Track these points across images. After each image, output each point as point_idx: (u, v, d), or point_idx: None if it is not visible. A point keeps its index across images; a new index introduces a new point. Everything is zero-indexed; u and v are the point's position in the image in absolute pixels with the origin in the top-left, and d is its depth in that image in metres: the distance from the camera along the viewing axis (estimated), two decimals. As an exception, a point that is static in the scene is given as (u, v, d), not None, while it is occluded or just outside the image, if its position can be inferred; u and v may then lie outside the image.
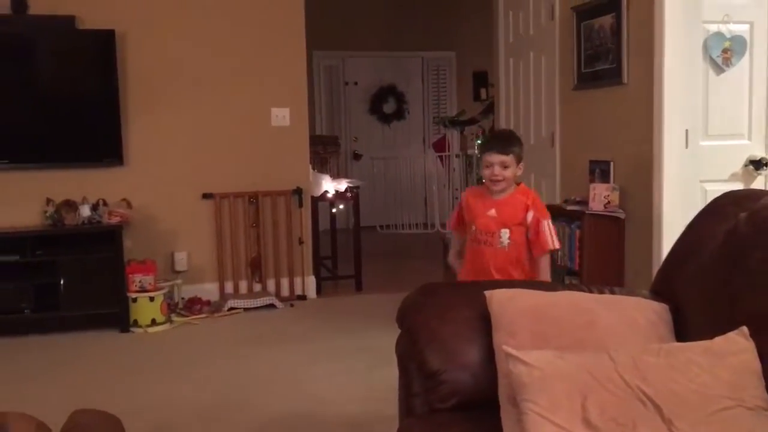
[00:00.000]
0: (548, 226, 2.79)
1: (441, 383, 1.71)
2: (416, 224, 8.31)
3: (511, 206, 2.80)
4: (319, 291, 5.32)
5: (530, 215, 2.78)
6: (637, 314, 1.71)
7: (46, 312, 4.37)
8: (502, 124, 5.39)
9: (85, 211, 4.68)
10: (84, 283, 4.42)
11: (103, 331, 4.39)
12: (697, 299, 1.74)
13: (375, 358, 3.76)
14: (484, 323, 1.74)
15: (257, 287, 5.13)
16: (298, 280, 5.22)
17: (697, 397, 1.35)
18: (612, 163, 4.00)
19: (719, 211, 1.90)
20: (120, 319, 4.44)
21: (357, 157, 8.40)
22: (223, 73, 5.02)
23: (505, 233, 2.77)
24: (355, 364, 3.70)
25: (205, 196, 5.02)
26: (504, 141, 2.87)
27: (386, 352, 3.77)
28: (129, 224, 4.70)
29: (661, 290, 1.91)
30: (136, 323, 4.46)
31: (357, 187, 5.45)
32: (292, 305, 5.01)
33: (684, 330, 1.71)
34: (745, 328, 1.46)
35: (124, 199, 4.78)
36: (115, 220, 4.66)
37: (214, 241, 5.07)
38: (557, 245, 2.85)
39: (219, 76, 5.02)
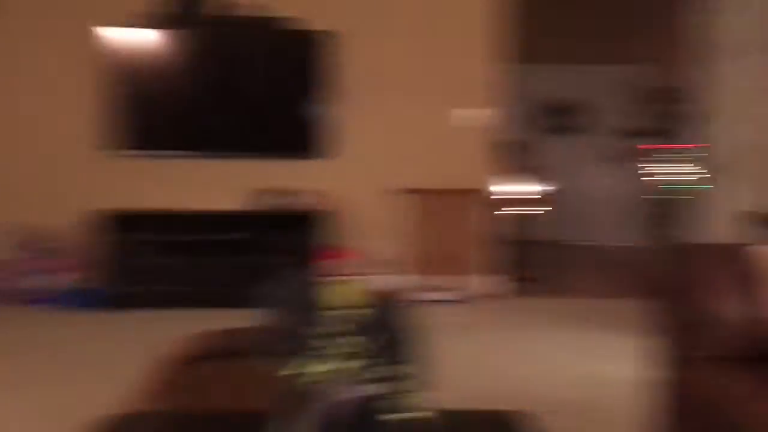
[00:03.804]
0: None
1: (716, 333, 1.68)
2: (605, 238, 8.13)
3: None
4: (509, 292, 5.31)
5: None
6: None
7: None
8: (712, 134, 5.16)
9: (283, 200, 5.04)
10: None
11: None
12: None
13: (579, 352, 3.72)
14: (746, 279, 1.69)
15: (447, 282, 5.20)
16: (488, 279, 5.26)
17: None
18: None
19: None
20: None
21: (539, 170, 8.33)
22: (423, 72, 5.21)
23: None
24: (561, 357, 3.68)
25: (399, 191, 5.19)
26: None
27: (591, 349, 3.76)
28: (324, 214, 4.92)
29: None
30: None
31: (553, 191, 5.41)
32: (485, 302, 5.05)
33: None
34: None
35: (319, 190, 5.07)
36: (311, 209, 4.94)
37: (408, 236, 5.21)
38: None
39: (419, 75, 5.21)
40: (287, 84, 5.14)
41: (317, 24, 5.05)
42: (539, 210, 5.64)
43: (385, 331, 1.32)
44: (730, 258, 1.81)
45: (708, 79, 5.16)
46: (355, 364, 1.26)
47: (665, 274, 1.85)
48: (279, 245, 4.72)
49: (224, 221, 4.88)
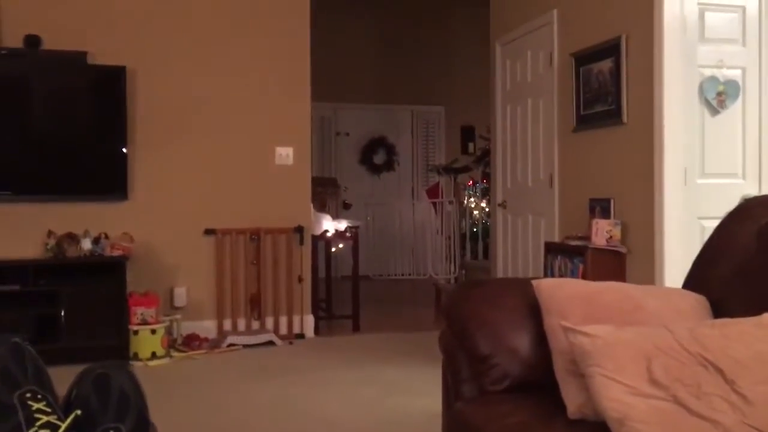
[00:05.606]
0: None
1: (492, 367, 1.76)
2: (408, 272, 8.38)
3: None
4: (316, 330, 5.31)
5: None
6: (680, 301, 1.78)
7: (46, 343, 4.30)
8: (498, 171, 5.54)
9: (87, 244, 4.70)
10: (85, 314, 4.38)
11: (102, 364, 4.33)
12: (734, 292, 1.82)
13: (383, 388, 3.78)
14: (531, 311, 1.80)
15: (255, 325, 5.11)
16: (296, 319, 5.21)
17: (755, 362, 1.41)
18: (612, 201, 4.13)
19: (747, 214, 2.01)
20: (120, 352, 4.38)
21: (347, 206, 8.50)
22: (229, 111, 5.13)
23: None
24: (364, 393, 3.70)
25: (207, 232, 5.05)
26: None
27: (393, 383, 3.86)
28: (130, 258, 4.69)
29: (693, 288, 1.98)
30: (136, 356, 4.42)
31: (357, 227, 5.52)
32: (291, 343, 4.99)
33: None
34: (790, 304, 1.54)
35: (126, 233, 4.81)
36: (117, 253, 4.67)
37: (214, 278, 5.07)
38: None
39: (225, 114, 5.12)
40: (86, 122, 4.84)
41: (122, 61, 4.85)
42: (347, 245, 5.72)
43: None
44: (515, 292, 1.92)
45: (494, 121, 5.57)
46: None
47: (454, 308, 1.93)
48: (86, 295, 4.39)
49: (21, 271, 4.40)
